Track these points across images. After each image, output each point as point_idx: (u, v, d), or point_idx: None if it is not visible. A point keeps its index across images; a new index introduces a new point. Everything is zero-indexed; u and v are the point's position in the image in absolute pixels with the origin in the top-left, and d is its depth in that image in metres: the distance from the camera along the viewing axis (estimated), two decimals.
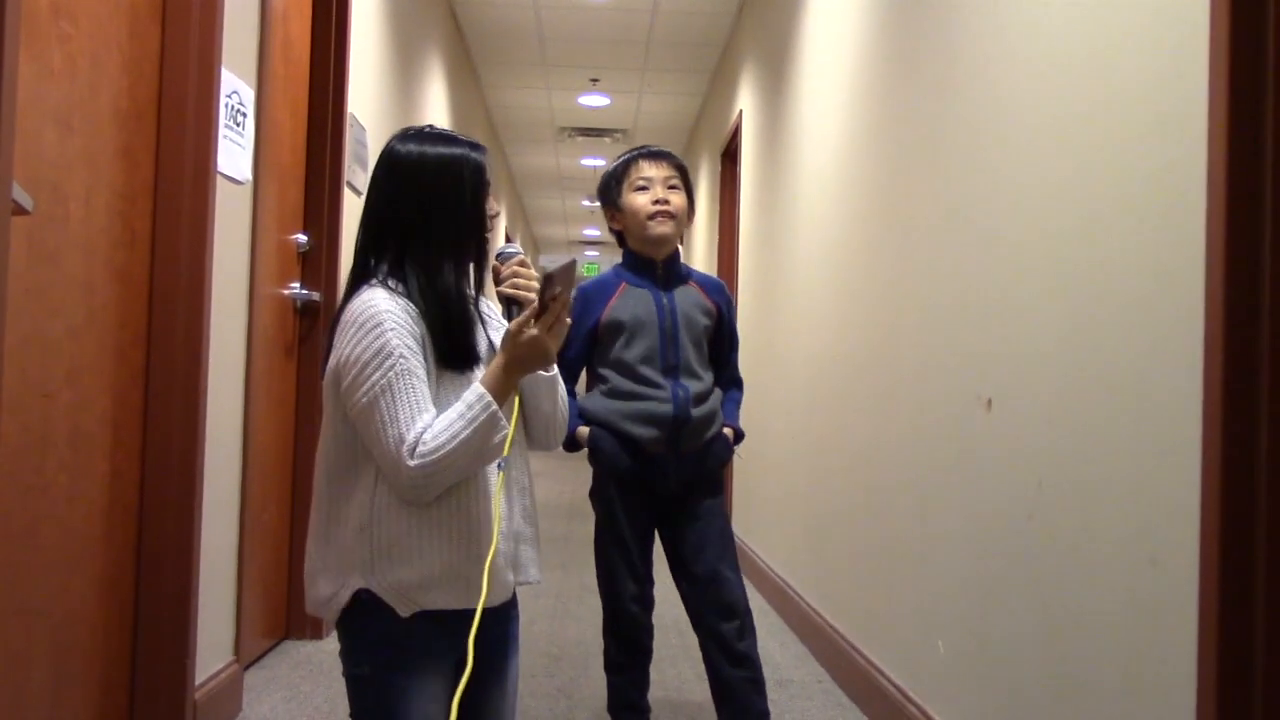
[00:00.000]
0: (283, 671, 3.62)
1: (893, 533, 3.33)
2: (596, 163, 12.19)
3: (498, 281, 2.01)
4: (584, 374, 2.92)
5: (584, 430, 2.78)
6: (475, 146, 1.97)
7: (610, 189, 2.86)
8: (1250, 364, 1.66)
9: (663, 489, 2.80)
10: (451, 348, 1.87)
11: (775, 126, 5.75)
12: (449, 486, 1.84)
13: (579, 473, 12.95)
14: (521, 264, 2.01)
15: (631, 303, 2.78)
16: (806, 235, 4.80)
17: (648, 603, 2.85)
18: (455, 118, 7.67)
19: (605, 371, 2.81)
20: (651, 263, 2.83)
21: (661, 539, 2.89)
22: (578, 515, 8.02)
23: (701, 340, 2.84)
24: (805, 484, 4.60)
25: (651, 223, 2.78)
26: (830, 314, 4.28)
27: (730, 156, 7.46)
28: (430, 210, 1.91)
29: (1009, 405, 2.48)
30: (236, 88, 3.08)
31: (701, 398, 2.79)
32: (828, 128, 4.45)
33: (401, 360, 1.80)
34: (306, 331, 4.03)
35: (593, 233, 17.80)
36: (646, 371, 2.75)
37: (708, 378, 2.84)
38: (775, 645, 4.26)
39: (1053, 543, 2.23)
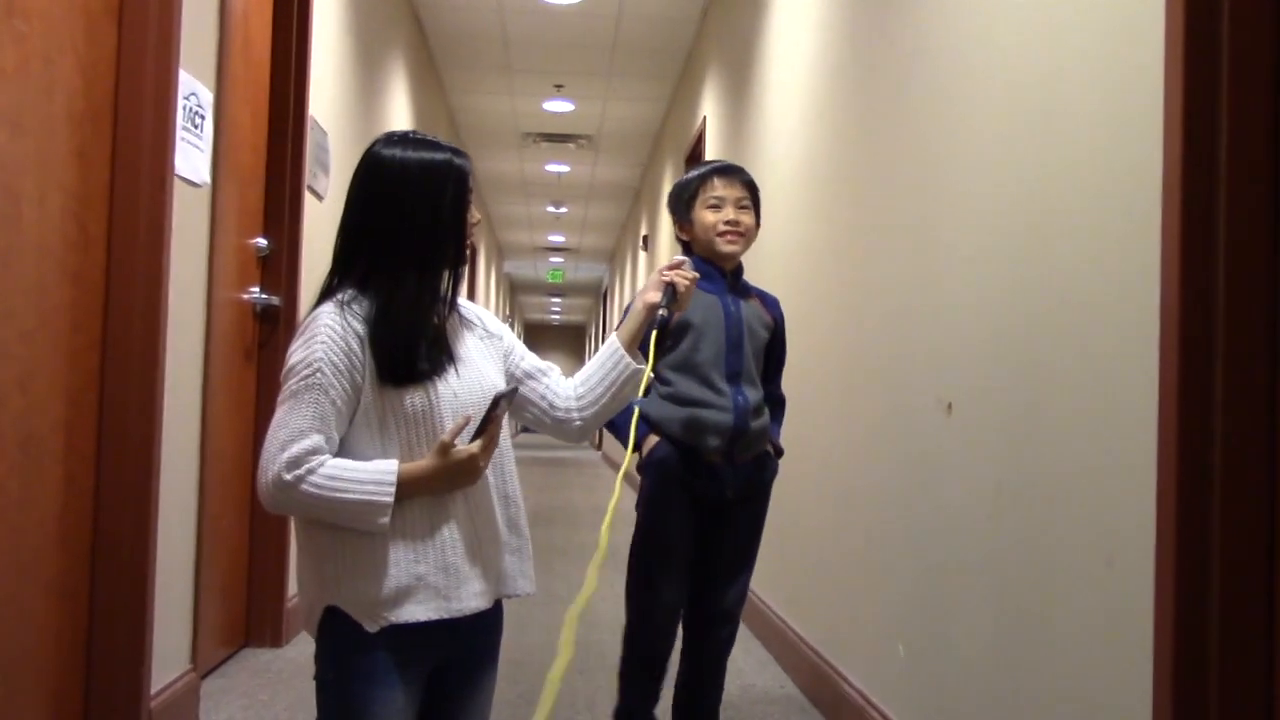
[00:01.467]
0: (241, 680, 3.59)
1: (854, 536, 3.34)
2: (561, 169, 12.18)
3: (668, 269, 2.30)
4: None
5: (653, 439, 2.80)
6: (458, 153, 1.97)
7: (681, 201, 2.89)
8: (1204, 367, 1.67)
9: (714, 499, 2.81)
10: (389, 365, 1.87)
11: (738, 132, 5.77)
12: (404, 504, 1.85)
13: (547, 478, 12.89)
14: (691, 271, 2.32)
15: (700, 306, 2.80)
16: (768, 240, 4.79)
17: (677, 615, 2.86)
18: (418, 122, 7.63)
19: (669, 374, 2.82)
20: (720, 271, 2.87)
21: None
22: (541, 521, 8.01)
23: (760, 353, 2.89)
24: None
25: (720, 240, 2.83)
26: (791, 318, 4.28)
27: (695, 162, 7.46)
28: (410, 216, 1.91)
29: (968, 408, 2.49)
30: (195, 89, 3.05)
31: (759, 409, 2.84)
32: (789, 134, 4.46)
33: (319, 374, 1.82)
34: (267, 336, 4.00)
35: (557, 239, 17.77)
36: (712, 376, 2.78)
37: (760, 390, 2.88)
38: (739, 651, 4.24)
39: (1011, 545, 2.24)
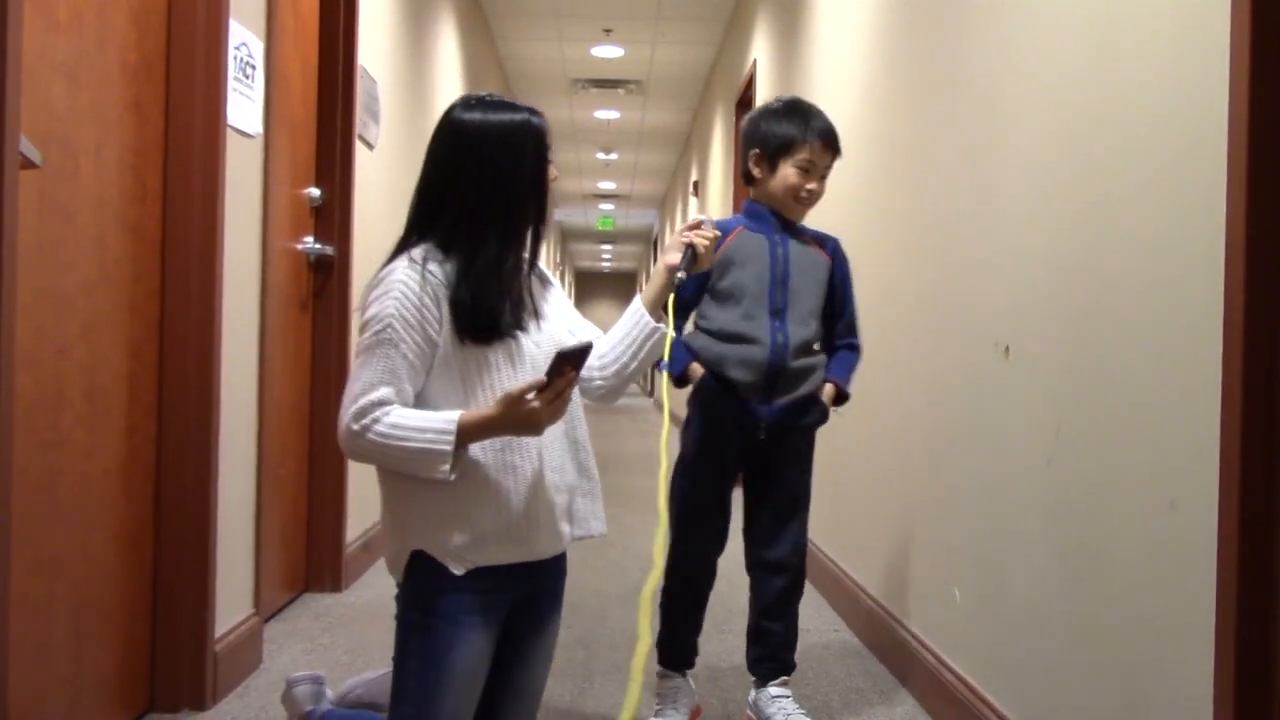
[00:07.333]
0: (303, 624, 3.66)
1: (910, 480, 3.33)
2: (610, 115, 12.10)
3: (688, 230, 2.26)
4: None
5: (697, 367, 2.82)
6: (534, 112, 2.02)
7: (770, 145, 2.81)
8: (1271, 306, 1.63)
9: (749, 438, 2.81)
10: (472, 324, 1.91)
11: (790, 75, 5.70)
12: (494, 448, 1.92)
13: (599, 425, 12.97)
14: (710, 230, 2.25)
15: (746, 243, 2.80)
16: None
17: (712, 544, 2.86)
18: (467, 70, 7.61)
19: (710, 309, 2.83)
20: (772, 213, 2.85)
21: (743, 484, 2.91)
22: (602, 468, 8.04)
23: (817, 289, 2.84)
24: (822, 432, 4.59)
25: (794, 202, 2.81)
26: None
27: (745, 106, 7.39)
28: (494, 179, 1.95)
29: (1026, 352, 2.46)
30: (245, 39, 3.05)
31: (804, 348, 2.80)
32: (842, 75, 4.40)
33: (389, 329, 1.86)
34: (321, 286, 4.03)
35: (608, 186, 17.70)
36: (754, 310, 2.77)
37: (816, 329, 2.84)
38: None
39: (1071, 489, 2.22)
